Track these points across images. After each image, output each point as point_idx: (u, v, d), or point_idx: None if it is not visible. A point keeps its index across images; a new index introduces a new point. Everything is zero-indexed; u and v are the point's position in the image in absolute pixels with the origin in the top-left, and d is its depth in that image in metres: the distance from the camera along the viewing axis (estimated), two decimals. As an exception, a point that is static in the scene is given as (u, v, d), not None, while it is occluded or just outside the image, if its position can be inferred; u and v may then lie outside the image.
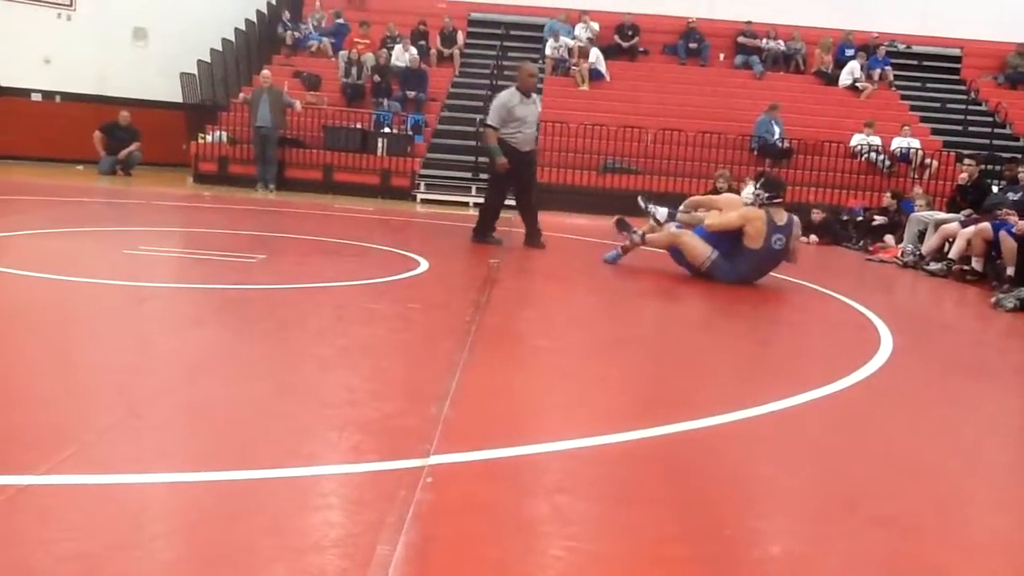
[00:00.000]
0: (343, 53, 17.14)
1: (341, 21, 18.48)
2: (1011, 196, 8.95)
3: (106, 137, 15.98)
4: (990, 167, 12.76)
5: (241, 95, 15.39)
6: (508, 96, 8.65)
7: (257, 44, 18.47)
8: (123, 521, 2.16)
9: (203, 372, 3.61)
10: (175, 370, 3.63)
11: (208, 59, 17.60)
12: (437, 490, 2.43)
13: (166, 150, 17.07)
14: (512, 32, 19.07)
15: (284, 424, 2.95)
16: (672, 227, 7.35)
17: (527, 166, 8.85)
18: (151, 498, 2.35)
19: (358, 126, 15.75)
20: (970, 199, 10.18)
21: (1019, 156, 12.97)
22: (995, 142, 16.07)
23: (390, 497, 2.34)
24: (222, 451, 2.69)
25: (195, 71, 17.53)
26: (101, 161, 15.82)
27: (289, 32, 18.34)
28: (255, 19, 18.83)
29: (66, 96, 18.00)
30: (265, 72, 15.26)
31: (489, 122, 8.68)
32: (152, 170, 16.43)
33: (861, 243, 11.62)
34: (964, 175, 10.72)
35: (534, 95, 8.91)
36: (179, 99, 17.76)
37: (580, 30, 18.65)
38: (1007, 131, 16.69)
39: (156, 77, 17.77)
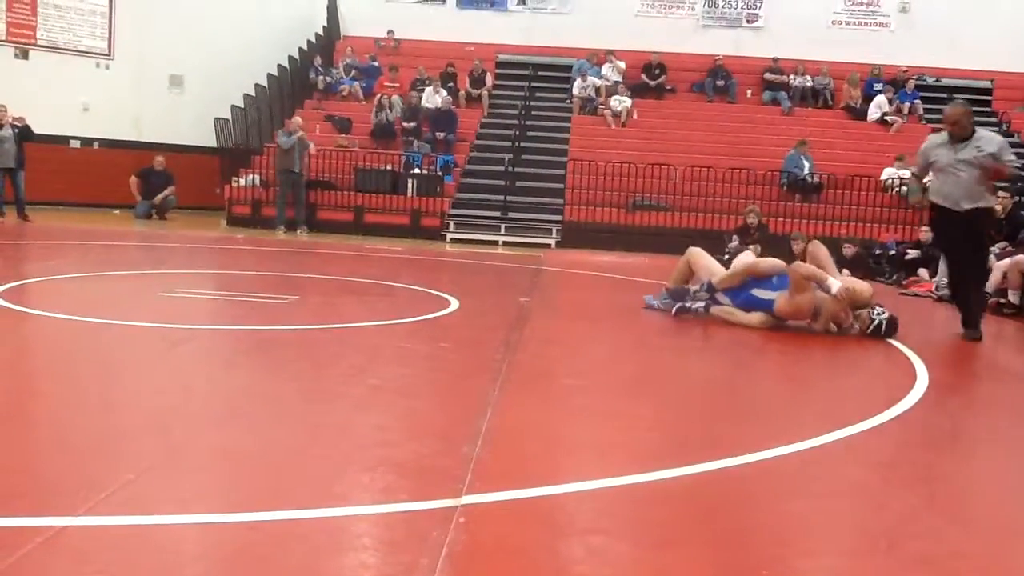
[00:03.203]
0: (376, 96, 17.39)
1: (375, 64, 18.78)
2: (1047, 228, 8.85)
3: (142, 182, 16.31)
4: (1024, 199, 12.62)
5: (278, 134, 15.48)
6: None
7: (290, 89, 18.81)
8: (160, 562, 2.17)
9: (238, 413, 3.64)
10: (210, 411, 3.66)
11: (242, 104, 17.95)
12: (470, 531, 2.42)
13: (200, 194, 17.37)
14: (540, 72, 19.28)
15: (317, 465, 2.96)
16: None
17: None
18: (187, 539, 2.35)
19: (388, 168, 15.94)
20: (1005, 232, 10.06)
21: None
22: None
23: (423, 538, 2.34)
24: (256, 492, 2.70)
25: (229, 116, 17.88)
26: (137, 205, 16.13)
27: (321, 77, 18.66)
28: (287, 64, 19.19)
29: (104, 143, 18.42)
30: (297, 119, 15.48)
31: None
32: (187, 214, 16.71)
33: (895, 277, 11.51)
34: (998, 207, 10.59)
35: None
36: (213, 143, 18.10)
37: (607, 70, 18.80)
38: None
39: (191, 122, 18.16)
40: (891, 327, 6.24)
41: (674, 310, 6.80)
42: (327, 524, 2.45)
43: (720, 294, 6.64)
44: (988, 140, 6.39)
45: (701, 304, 6.72)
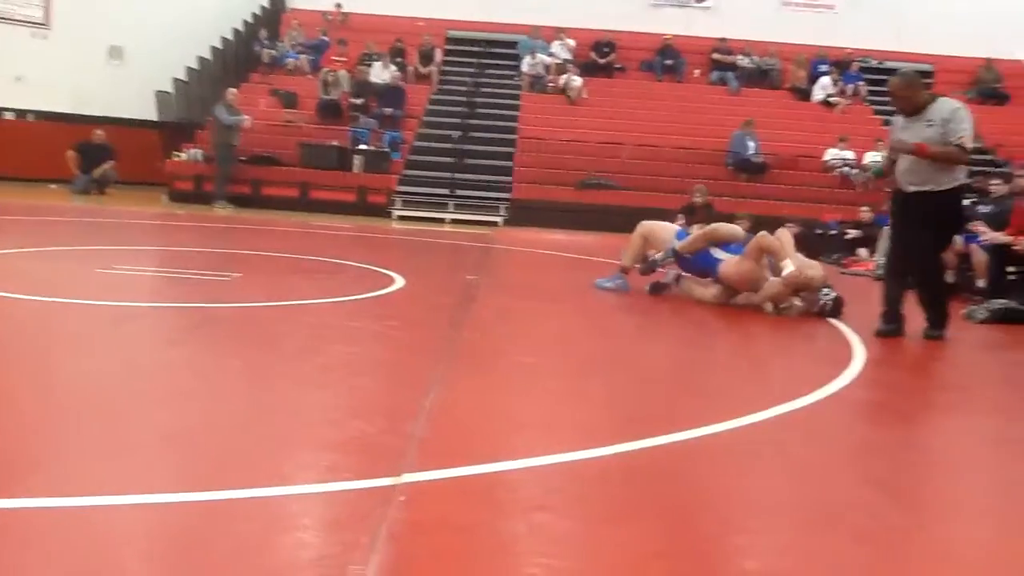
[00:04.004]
0: (321, 71, 17.14)
1: (325, 38, 18.49)
2: (982, 209, 9.04)
3: (80, 156, 15.87)
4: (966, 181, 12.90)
5: (216, 109, 15.19)
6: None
7: (234, 62, 18.44)
8: (98, 544, 2.14)
9: (179, 392, 3.58)
10: (151, 390, 3.60)
11: (184, 77, 17.55)
12: (411, 509, 2.41)
13: (141, 169, 16.97)
14: (490, 50, 19.17)
15: (259, 444, 2.93)
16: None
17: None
18: (124, 520, 2.31)
19: (335, 143, 15.74)
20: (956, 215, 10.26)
21: (990, 170, 13.13)
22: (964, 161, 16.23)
23: (363, 517, 2.32)
24: (197, 472, 2.66)
25: (171, 89, 17.47)
26: (75, 180, 15.70)
27: (266, 50, 18.33)
28: (232, 37, 18.81)
29: (39, 115, 17.90)
30: (233, 91, 15.20)
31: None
32: (127, 189, 16.33)
33: (836, 256, 11.70)
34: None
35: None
36: (154, 117, 17.69)
37: (557, 47, 18.76)
38: (978, 145, 16.88)
39: (131, 95, 17.70)
40: (837, 307, 6.38)
41: (648, 287, 6.92)
42: (267, 504, 2.43)
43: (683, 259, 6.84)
44: (943, 113, 5.51)
45: (672, 277, 6.91)
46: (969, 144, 5.50)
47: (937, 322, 5.74)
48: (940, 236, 5.84)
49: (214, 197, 14.67)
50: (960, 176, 5.65)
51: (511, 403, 3.72)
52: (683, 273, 6.91)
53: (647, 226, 7.21)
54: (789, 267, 6.28)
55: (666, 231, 7.10)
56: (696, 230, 7.31)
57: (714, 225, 6.93)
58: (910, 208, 5.67)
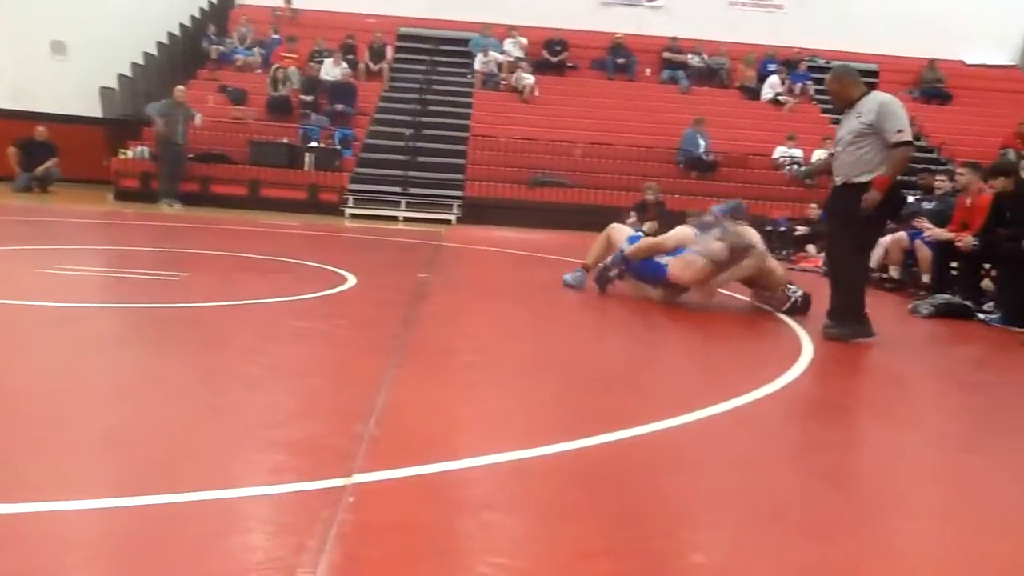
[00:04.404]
0: (271, 67, 16.95)
1: (276, 36, 18.26)
2: (926, 205, 9.23)
3: (21, 153, 15.50)
4: (907, 178, 13.15)
5: (150, 107, 14.94)
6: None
7: (181, 58, 18.14)
8: (42, 550, 2.10)
9: (123, 394, 3.51)
10: (93, 393, 3.53)
11: (129, 73, 17.22)
12: (361, 510, 2.39)
13: (85, 166, 16.63)
14: (442, 47, 19.11)
15: (206, 446, 2.88)
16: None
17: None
18: (68, 525, 2.27)
19: (285, 141, 15.57)
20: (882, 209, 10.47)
21: (933, 167, 13.41)
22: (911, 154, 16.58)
23: (312, 518, 2.30)
24: (142, 475, 2.61)
25: (116, 85, 17.14)
26: (16, 178, 15.33)
27: (214, 46, 18.06)
28: (179, 33, 18.50)
29: (-21, 111, 17.45)
30: (181, 88, 14.96)
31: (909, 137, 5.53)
32: (71, 187, 15.99)
33: (784, 253, 11.87)
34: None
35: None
36: (99, 114, 17.34)
37: (509, 45, 18.77)
38: (922, 143, 17.25)
39: (75, 91, 17.34)
40: (806, 303, 6.52)
41: (595, 276, 6.96)
42: (215, 506, 2.40)
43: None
44: (870, 106, 5.43)
45: (615, 272, 6.88)
46: (908, 136, 5.42)
47: (834, 316, 5.60)
48: (855, 229, 5.52)
49: (160, 196, 14.43)
50: (876, 170, 5.37)
51: (461, 402, 3.71)
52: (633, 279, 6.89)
53: (612, 228, 7.26)
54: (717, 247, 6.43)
55: (622, 233, 7.13)
56: (649, 227, 7.34)
57: (662, 238, 6.88)
58: (834, 200, 5.68)
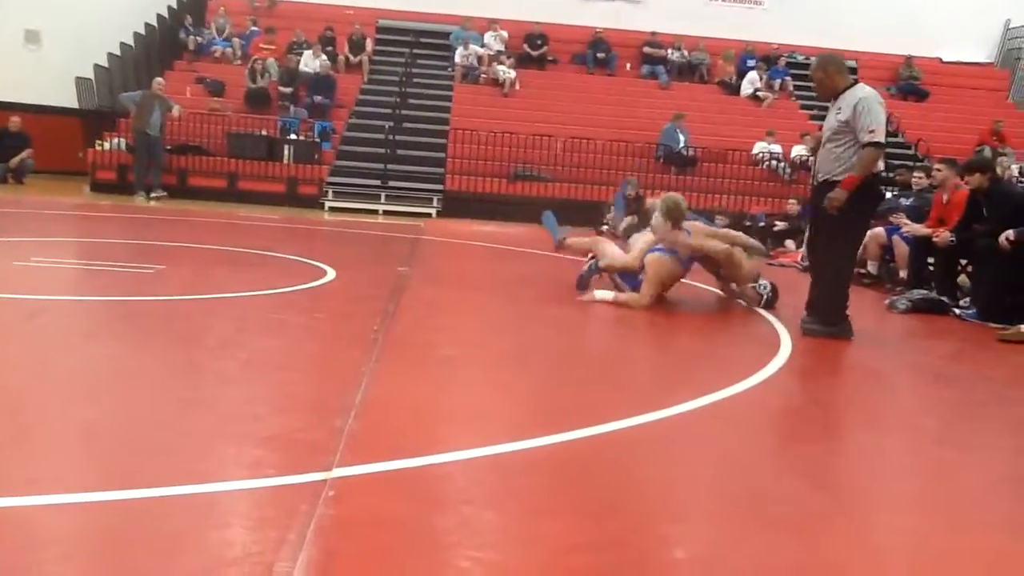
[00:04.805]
0: (250, 59, 16.81)
1: (255, 29, 18.11)
2: (903, 201, 9.30)
3: (-5, 144, 15.31)
4: (886, 174, 13.25)
5: (124, 95, 14.79)
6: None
7: (158, 49, 17.95)
8: (14, 545, 2.07)
9: (98, 388, 3.48)
10: (68, 387, 3.49)
11: (106, 64, 17.03)
12: (340, 504, 2.38)
13: (61, 158, 16.44)
14: (421, 40, 19.04)
15: (183, 441, 2.86)
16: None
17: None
18: (44, 520, 2.25)
19: (263, 133, 15.47)
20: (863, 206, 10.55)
21: (910, 164, 13.52)
22: (888, 150, 16.71)
23: (291, 513, 2.28)
24: (118, 470, 2.59)
25: (92, 76, 16.94)
26: (-10, 169, 15.15)
27: (192, 37, 17.90)
28: (155, 23, 18.31)
29: (-49, 101, 17.19)
30: (160, 80, 14.80)
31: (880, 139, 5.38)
32: (46, 178, 15.82)
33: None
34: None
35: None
36: (75, 105, 17.14)
37: (490, 38, 18.72)
38: (900, 139, 17.38)
39: (50, 82, 17.10)
40: (774, 295, 6.62)
41: (576, 281, 6.81)
42: (191, 501, 2.38)
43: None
44: (848, 101, 5.36)
45: (589, 268, 6.79)
46: (879, 136, 5.28)
47: (814, 312, 5.61)
48: (839, 227, 5.44)
49: (135, 188, 14.28)
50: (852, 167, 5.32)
51: (440, 396, 3.70)
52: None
53: (601, 242, 7.03)
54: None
55: (611, 250, 6.82)
56: (628, 222, 7.23)
57: (632, 258, 6.55)
58: (818, 197, 5.56)
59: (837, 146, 5.41)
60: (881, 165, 5.53)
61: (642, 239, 6.69)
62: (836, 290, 5.62)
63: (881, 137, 5.29)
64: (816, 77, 5.65)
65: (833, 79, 5.53)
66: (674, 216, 6.33)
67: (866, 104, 5.31)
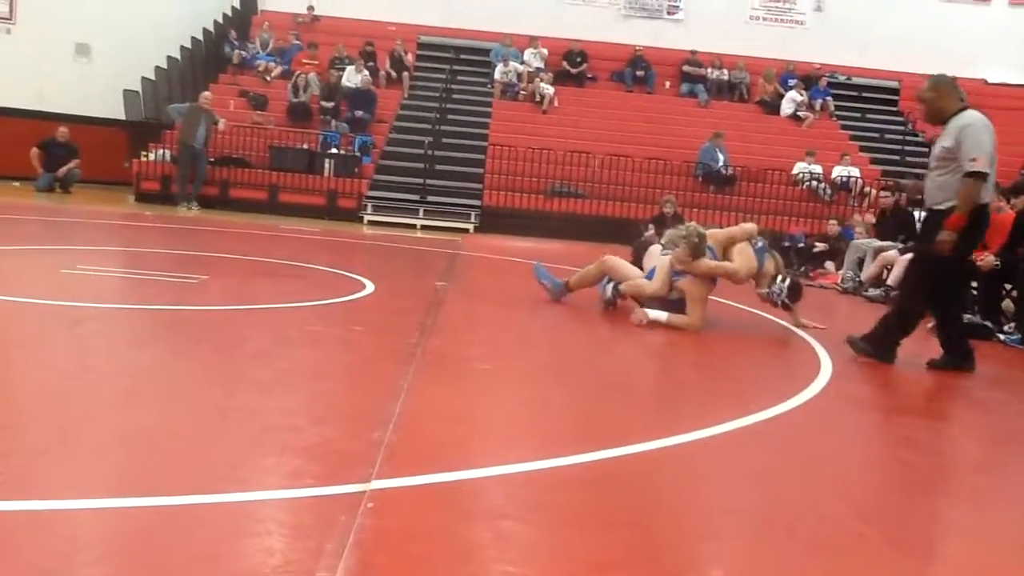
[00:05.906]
0: (292, 74, 17.06)
1: (297, 42, 18.37)
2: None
3: (44, 154, 15.65)
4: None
5: (172, 107, 15.08)
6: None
7: (203, 63, 18.28)
8: (53, 548, 2.10)
9: (139, 395, 3.53)
10: (110, 393, 3.55)
11: (152, 76, 17.36)
12: (378, 516, 2.40)
13: (107, 168, 16.77)
14: (462, 56, 19.19)
15: (222, 449, 2.90)
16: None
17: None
18: (83, 524, 2.28)
19: (305, 147, 15.66)
20: (889, 226, 10.51)
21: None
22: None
23: (330, 523, 2.31)
24: (158, 476, 2.62)
25: (139, 88, 17.27)
26: (39, 178, 15.48)
27: (236, 52, 18.20)
28: (201, 37, 18.65)
29: (3, 111, 17.61)
30: (207, 94, 15.07)
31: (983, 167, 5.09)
32: (92, 188, 16.13)
33: (802, 269, 11.84)
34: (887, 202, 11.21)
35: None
36: (121, 116, 17.48)
37: (530, 55, 18.82)
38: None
39: (98, 94, 17.48)
40: (793, 294, 6.48)
41: (602, 302, 6.73)
42: (230, 509, 2.41)
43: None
44: (954, 127, 5.14)
45: (610, 292, 6.71)
46: (980, 166, 5.00)
47: (869, 337, 5.44)
48: (927, 257, 5.30)
49: (177, 199, 14.54)
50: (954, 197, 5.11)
51: (477, 410, 3.72)
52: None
53: (610, 262, 6.77)
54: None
55: (630, 270, 6.71)
56: (657, 251, 6.93)
57: (655, 286, 6.40)
58: (924, 227, 5.42)
59: (940, 174, 5.21)
60: (987, 196, 5.22)
61: (660, 262, 6.51)
62: (903, 327, 5.41)
63: (983, 166, 5.03)
64: (926, 97, 5.42)
65: (945, 99, 5.31)
66: (700, 252, 6.27)
67: (972, 130, 5.08)
